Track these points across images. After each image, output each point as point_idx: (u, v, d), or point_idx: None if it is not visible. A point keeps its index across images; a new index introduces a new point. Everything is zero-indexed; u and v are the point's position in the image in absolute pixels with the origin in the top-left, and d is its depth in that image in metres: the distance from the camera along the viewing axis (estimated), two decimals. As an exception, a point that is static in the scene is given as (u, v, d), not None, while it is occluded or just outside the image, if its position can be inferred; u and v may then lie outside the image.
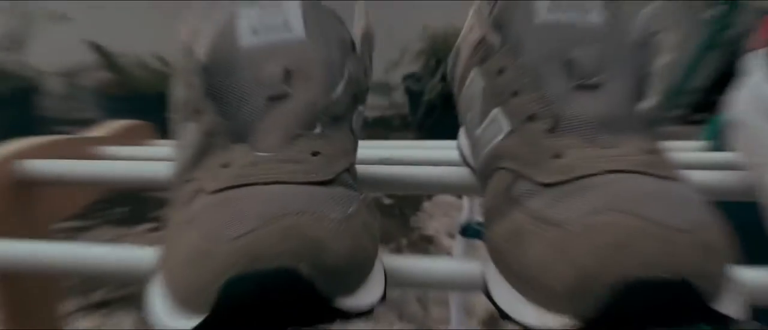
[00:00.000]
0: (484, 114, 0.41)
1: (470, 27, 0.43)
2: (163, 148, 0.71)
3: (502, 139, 0.40)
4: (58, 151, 0.62)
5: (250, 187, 0.38)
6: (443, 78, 2.64)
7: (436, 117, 2.67)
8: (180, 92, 0.44)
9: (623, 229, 0.33)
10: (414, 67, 2.78)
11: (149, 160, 0.64)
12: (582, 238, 0.33)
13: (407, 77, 2.81)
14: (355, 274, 0.36)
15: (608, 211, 0.34)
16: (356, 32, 0.44)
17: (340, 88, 0.42)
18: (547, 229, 0.35)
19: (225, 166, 0.40)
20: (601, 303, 0.31)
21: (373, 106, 3.06)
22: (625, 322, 0.32)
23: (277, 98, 0.41)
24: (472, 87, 0.43)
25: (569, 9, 0.42)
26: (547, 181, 0.37)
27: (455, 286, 0.42)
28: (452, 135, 0.61)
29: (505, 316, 0.36)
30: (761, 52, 0.50)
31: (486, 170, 0.41)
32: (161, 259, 0.39)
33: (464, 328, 0.85)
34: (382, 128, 2.95)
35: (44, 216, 0.60)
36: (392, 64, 2.85)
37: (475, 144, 0.43)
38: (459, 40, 0.45)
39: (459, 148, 0.56)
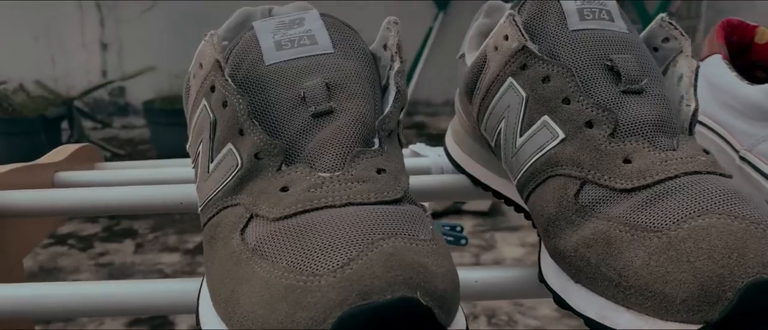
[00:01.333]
0: (529, 123, 0.35)
1: (504, 36, 0.37)
2: (115, 171, 0.60)
3: (556, 146, 0.34)
4: (20, 180, 0.50)
5: (322, 211, 0.30)
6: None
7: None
8: (209, 113, 0.34)
9: (729, 231, 0.28)
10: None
11: (110, 186, 0.53)
12: (691, 244, 0.28)
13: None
14: (456, 296, 0.29)
15: (705, 214, 0.29)
16: (391, 45, 0.37)
17: (390, 100, 0.34)
18: (646, 236, 0.29)
19: (284, 189, 0.31)
20: (730, 307, 0.26)
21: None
22: (752, 323, 0.27)
23: (322, 114, 0.33)
24: (507, 97, 0.37)
25: (597, 18, 0.37)
26: (624, 186, 0.31)
27: (516, 295, 0.35)
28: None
29: (595, 325, 0.30)
30: (719, 57, 0.47)
31: (534, 177, 0.35)
32: (220, 296, 0.30)
33: None
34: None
35: (17, 247, 0.48)
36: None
37: (512, 153, 0.37)
38: (483, 49, 0.39)
39: (448, 155, 0.49)
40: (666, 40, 0.38)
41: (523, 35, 0.36)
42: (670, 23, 0.38)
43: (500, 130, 0.38)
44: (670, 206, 0.30)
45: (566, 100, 0.34)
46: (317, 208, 0.30)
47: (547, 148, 0.34)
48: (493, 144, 0.39)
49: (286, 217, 0.30)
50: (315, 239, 0.28)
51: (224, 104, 0.34)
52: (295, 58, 0.35)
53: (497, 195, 0.44)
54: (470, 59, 0.41)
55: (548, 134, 0.35)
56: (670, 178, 0.31)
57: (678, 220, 0.29)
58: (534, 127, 0.35)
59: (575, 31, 0.36)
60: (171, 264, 1.85)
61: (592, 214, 0.32)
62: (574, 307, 0.32)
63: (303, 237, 0.28)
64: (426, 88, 3.05)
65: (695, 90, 0.35)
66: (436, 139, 2.82)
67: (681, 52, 0.38)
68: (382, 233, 0.28)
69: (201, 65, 0.35)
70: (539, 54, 0.35)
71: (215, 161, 0.34)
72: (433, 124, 3.06)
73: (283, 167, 0.32)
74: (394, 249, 0.27)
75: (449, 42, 3.07)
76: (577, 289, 0.32)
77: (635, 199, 0.31)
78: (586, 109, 0.34)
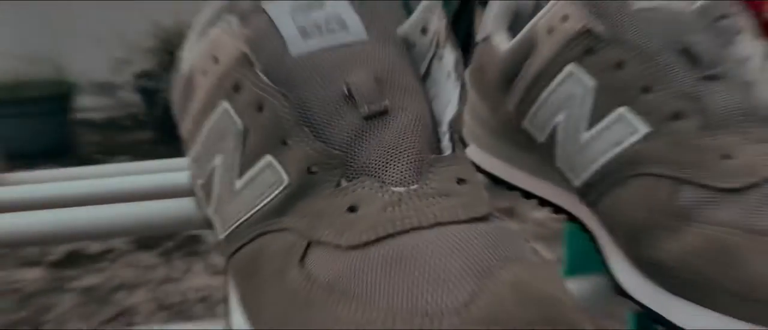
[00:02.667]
0: (599, 115, 0.34)
1: (561, 16, 0.35)
2: (32, 187, 0.53)
3: (639, 142, 0.33)
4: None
5: (409, 235, 0.27)
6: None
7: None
8: (234, 120, 0.31)
9: None
10: (146, 65, 2.55)
11: (41, 207, 0.47)
12: None
13: (140, 75, 2.58)
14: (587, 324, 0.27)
15: None
16: (438, 29, 0.34)
17: (455, 96, 0.32)
18: None
19: (352, 209, 0.28)
20: None
21: (99, 107, 2.77)
22: None
23: (377, 115, 0.30)
24: (567, 85, 0.35)
25: (657, -6, 0.36)
26: (732, 185, 0.31)
27: (589, 309, 0.34)
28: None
29: None
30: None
31: (608, 177, 0.34)
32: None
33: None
34: (113, 130, 2.68)
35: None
36: (122, 62, 2.61)
37: (575, 150, 0.35)
38: (528, 31, 0.37)
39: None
40: (722, 17, 0.38)
41: (588, 15, 0.34)
42: (728, -2, 0.38)
43: (557, 123, 0.36)
44: None
45: (646, 89, 0.33)
46: (402, 232, 0.27)
47: (626, 144, 0.33)
48: (543, 139, 0.37)
49: (366, 245, 0.27)
50: (416, 271, 0.25)
51: (259, 108, 0.30)
52: (327, 47, 0.32)
53: (527, 195, 0.43)
54: (502, 42, 0.40)
55: (626, 128, 0.33)
56: None
57: None
58: (607, 120, 0.34)
59: (640, 10, 0.35)
60: (33, 281, 1.72)
61: (695, 219, 0.31)
62: (678, 323, 0.31)
63: (399, 269, 0.25)
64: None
65: (771, 73, 0.35)
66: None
67: (742, 30, 0.38)
68: (494, 259, 0.26)
69: (216, 59, 0.31)
70: (605, 37, 0.34)
71: (245, 178, 0.31)
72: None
73: (343, 182, 0.29)
74: (516, 278, 0.25)
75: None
76: (678, 302, 0.31)
77: (747, 199, 0.30)
78: (671, 99, 0.33)
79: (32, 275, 1.74)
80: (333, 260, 0.27)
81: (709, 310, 0.30)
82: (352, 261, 0.27)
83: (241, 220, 0.31)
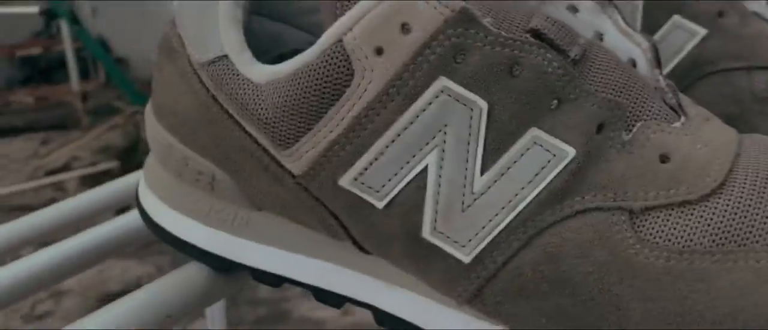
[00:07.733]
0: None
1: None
2: None
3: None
4: None
5: (739, 163, 0.22)
6: None
7: None
8: (464, 99, 0.20)
9: None
10: None
11: None
12: None
13: None
14: None
15: None
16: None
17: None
18: None
19: (664, 160, 0.22)
20: None
21: None
22: None
23: (580, 59, 0.23)
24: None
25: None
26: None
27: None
28: None
29: None
30: None
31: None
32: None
33: None
34: None
35: None
36: None
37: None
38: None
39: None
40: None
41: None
42: None
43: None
44: None
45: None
46: (732, 163, 0.21)
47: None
48: None
49: (719, 189, 0.20)
50: None
51: (510, 70, 0.20)
52: None
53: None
54: None
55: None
56: None
57: None
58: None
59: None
60: None
61: None
62: None
63: None
64: None
65: None
66: None
67: None
68: None
69: (406, 27, 0.20)
70: None
71: (494, 169, 0.21)
72: None
73: (624, 135, 0.21)
74: None
75: None
76: None
77: None
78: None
79: None
80: (690, 219, 0.20)
81: None
82: (722, 210, 0.20)
83: (499, 227, 0.20)
